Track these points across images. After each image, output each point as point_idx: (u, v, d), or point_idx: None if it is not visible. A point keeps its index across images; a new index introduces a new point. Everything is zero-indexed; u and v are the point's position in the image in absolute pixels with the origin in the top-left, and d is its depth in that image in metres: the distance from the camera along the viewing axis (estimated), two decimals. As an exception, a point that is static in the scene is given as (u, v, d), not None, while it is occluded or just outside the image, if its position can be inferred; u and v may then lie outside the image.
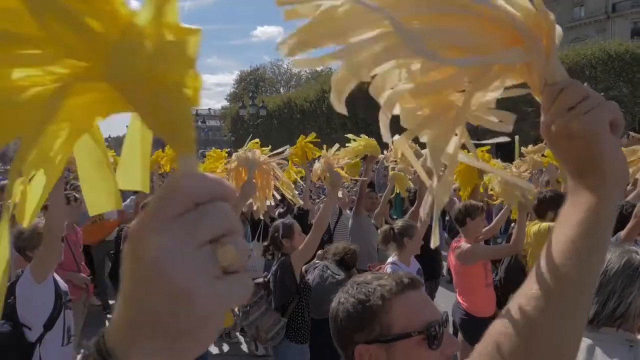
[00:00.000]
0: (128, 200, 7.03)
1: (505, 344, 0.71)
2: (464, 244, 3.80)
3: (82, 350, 0.43)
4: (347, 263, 4.00)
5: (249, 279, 0.43)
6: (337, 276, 3.69)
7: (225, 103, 79.08)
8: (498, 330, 0.74)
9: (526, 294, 0.71)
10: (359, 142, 4.93)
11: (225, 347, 6.08)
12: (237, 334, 6.29)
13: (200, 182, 0.41)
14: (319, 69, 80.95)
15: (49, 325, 3.00)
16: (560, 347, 0.69)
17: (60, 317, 3.07)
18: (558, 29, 0.74)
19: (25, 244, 3.14)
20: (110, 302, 7.43)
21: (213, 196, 0.41)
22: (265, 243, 3.79)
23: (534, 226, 4.35)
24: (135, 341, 0.40)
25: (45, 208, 5.45)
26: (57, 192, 3.04)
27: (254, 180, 3.32)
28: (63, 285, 3.23)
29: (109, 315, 7.17)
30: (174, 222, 0.39)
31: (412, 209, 5.17)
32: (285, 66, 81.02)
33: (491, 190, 4.47)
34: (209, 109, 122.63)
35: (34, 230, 3.16)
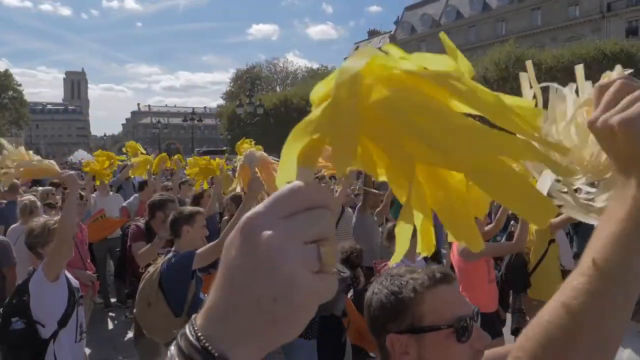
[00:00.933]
0: (132, 198, 7.07)
1: (551, 335, 0.71)
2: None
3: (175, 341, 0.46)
4: (353, 262, 4.05)
5: (336, 281, 0.47)
6: (342, 273, 3.74)
7: (221, 101, 78.99)
8: (544, 320, 0.74)
9: (573, 287, 0.70)
10: None
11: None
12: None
13: (314, 190, 0.47)
14: (314, 67, 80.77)
15: (63, 322, 3.04)
16: (605, 341, 0.69)
17: (73, 314, 3.11)
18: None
19: (36, 241, 3.17)
20: (112, 299, 7.46)
21: (322, 204, 0.46)
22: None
23: None
24: (233, 326, 0.44)
25: (48, 206, 5.48)
26: (73, 192, 3.08)
27: (258, 176, 3.38)
28: (75, 282, 3.27)
29: (111, 314, 7.21)
30: (289, 220, 0.44)
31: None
32: (281, 64, 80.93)
33: None
34: (205, 107, 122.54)
35: (44, 228, 3.19)
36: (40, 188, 8.35)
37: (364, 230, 5.34)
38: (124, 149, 8.24)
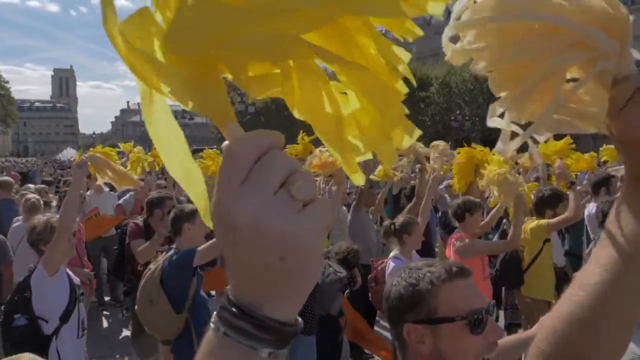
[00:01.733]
0: (127, 196, 7.06)
1: (573, 325, 0.76)
2: (462, 239, 3.93)
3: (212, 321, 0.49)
4: (350, 262, 4.11)
5: (325, 202, 0.49)
6: (339, 273, 3.78)
7: (212, 100, 78.35)
8: (564, 310, 0.79)
9: (588, 283, 0.75)
10: None
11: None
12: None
13: (249, 142, 0.46)
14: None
15: (64, 318, 3.06)
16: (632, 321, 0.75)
17: (75, 310, 3.13)
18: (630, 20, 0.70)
19: (38, 238, 3.18)
20: (106, 298, 7.44)
21: (265, 148, 0.46)
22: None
23: (531, 223, 4.51)
24: (260, 295, 0.46)
25: (46, 205, 5.47)
26: (75, 189, 3.10)
27: None
28: (76, 279, 3.30)
29: (105, 312, 7.19)
30: (244, 184, 0.45)
31: (410, 205, 5.31)
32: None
33: (487, 192, 4.61)
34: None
35: (46, 225, 3.21)
36: (31, 186, 8.30)
37: (360, 228, 5.40)
38: (122, 148, 8.25)
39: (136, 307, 3.43)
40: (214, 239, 3.44)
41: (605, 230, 0.78)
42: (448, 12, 0.74)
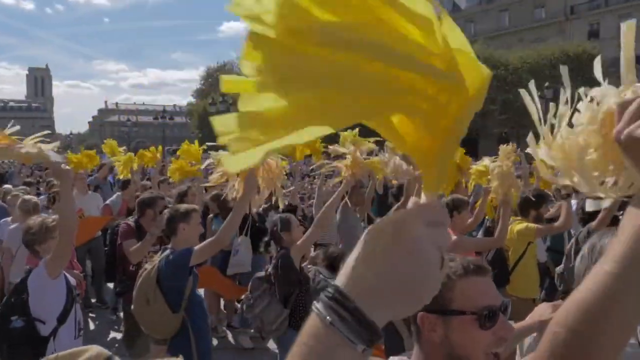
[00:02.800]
0: (114, 196, 7.03)
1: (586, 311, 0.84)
2: (450, 236, 4.03)
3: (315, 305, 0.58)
4: (337, 267, 4.20)
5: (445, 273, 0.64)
6: (328, 279, 3.92)
7: (191, 99, 77.95)
8: (578, 297, 0.86)
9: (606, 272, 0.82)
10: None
11: (214, 342, 6.17)
12: (224, 328, 6.40)
13: (443, 211, 0.65)
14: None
15: (62, 319, 3.06)
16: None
17: (72, 310, 3.14)
18: None
19: (34, 238, 3.19)
20: (92, 300, 7.39)
21: (445, 222, 0.64)
22: (266, 238, 3.95)
23: (519, 224, 4.63)
24: (381, 304, 0.57)
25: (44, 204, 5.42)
26: (68, 189, 3.10)
27: (254, 176, 3.42)
28: (72, 280, 3.30)
29: (91, 314, 7.14)
30: (430, 227, 0.60)
31: (399, 204, 5.41)
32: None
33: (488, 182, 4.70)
34: (175, 105, 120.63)
35: (42, 226, 3.21)
36: (9, 186, 8.18)
37: (348, 226, 5.50)
38: (103, 148, 8.18)
39: (132, 307, 3.46)
40: (210, 239, 3.48)
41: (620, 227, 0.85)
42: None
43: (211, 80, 73.35)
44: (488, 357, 1.21)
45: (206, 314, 3.61)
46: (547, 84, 26.88)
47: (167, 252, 3.46)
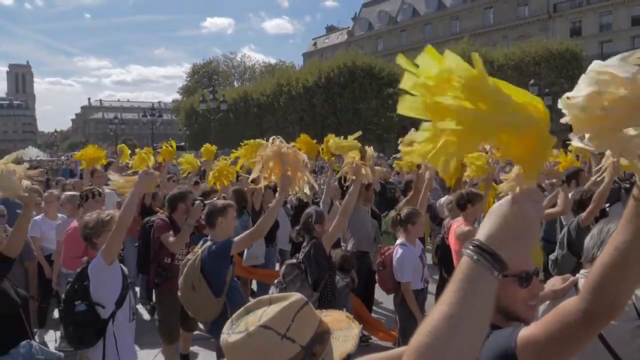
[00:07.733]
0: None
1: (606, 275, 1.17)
2: (464, 227, 4.43)
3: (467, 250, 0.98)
4: (347, 268, 4.67)
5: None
6: (345, 279, 4.43)
7: (176, 96, 77.57)
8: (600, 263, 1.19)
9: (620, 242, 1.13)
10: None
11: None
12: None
13: (540, 193, 1.00)
14: (273, 62, 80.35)
15: (119, 302, 3.41)
16: None
17: (127, 295, 3.50)
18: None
19: (91, 232, 3.51)
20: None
21: (541, 200, 1.00)
22: (298, 227, 4.32)
23: None
24: (505, 245, 0.92)
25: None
26: (136, 192, 3.44)
27: (289, 174, 3.70)
28: (125, 269, 3.65)
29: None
30: (534, 203, 0.96)
31: (407, 197, 5.85)
32: (239, 59, 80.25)
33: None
34: (159, 101, 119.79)
35: (98, 221, 3.55)
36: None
37: (359, 220, 5.91)
38: (118, 149, 8.47)
39: (179, 293, 3.81)
40: (248, 231, 3.85)
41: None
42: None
43: (197, 77, 73.08)
44: (526, 306, 1.65)
45: (243, 298, 3.98)
46: (532, 81, 27.57)
47: (209, 243, 3.82)
